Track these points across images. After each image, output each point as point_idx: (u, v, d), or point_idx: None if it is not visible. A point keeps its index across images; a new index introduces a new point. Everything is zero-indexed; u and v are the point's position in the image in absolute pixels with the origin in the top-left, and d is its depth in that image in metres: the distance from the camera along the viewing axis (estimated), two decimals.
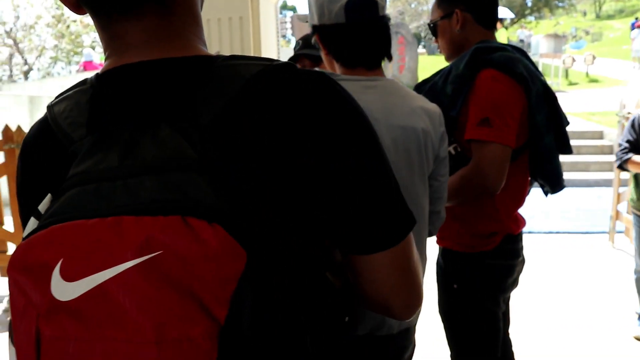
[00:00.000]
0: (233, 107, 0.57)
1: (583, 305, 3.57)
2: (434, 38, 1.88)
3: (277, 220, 0.55)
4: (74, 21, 19.86)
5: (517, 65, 1.62)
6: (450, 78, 1.70)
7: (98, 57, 14.04)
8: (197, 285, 0.48)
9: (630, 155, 2.99)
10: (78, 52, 19.97)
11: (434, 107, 1.34)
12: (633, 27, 27.55)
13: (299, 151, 0.59)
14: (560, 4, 37.92)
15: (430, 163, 1.33)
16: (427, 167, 1.32)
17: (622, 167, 3.05)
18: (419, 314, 1.39)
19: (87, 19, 20.75)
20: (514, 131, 1.60)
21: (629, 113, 4.63)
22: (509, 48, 1.72)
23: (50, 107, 0.66)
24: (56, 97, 0.67)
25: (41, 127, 0.67)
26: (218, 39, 3.12)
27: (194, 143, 0.55)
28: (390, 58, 1.32)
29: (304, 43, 2.46)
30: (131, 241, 0.49)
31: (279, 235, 0.55)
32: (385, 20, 1.27)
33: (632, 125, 3.04)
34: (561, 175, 1.84)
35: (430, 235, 1.46)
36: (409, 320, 1.31)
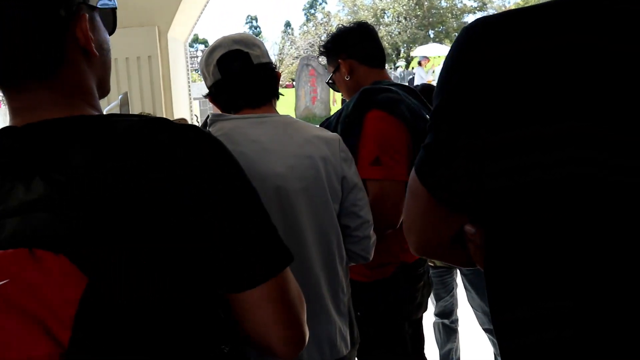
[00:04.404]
0: (102, 153, 0.62)
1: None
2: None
3: (130, 249, 0.60)
4: None
5: (399, 105, 1.72)
6: (340, 118, 1.80)
7: None
8: (42, 310, 0.53)
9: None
10: None
11: (332, 135, 1.42)
12: None
13: (170, 192, 0.63)
14: None
15: (337, 188, 1.38)
16: (334, 192, 1.37)
17: None
18: (348, 352, 1.41)
19: None
20: (404, 165, 1.69)
21: None
22: (394, 89, 1.81)
23: None
24: None
25: None
26: (127, 77, 3.17)
27: (60, 186, 0.60)
28: (277, 97, 1.42)
29: None
30: None
31: (129, 263, 0.59)
32: (267, 66, 1.37)
33: None
34: None
35: (366, 260, 1.49)
36: None
